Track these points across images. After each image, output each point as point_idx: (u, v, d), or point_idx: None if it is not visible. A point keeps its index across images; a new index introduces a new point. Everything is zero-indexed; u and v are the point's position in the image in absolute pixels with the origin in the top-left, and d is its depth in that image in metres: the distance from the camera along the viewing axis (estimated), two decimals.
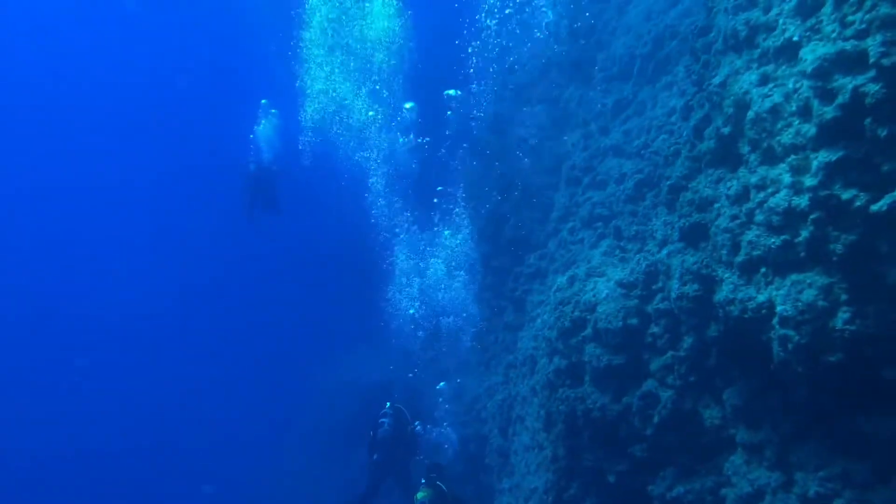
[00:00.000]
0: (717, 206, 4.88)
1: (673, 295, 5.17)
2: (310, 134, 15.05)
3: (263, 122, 16.02)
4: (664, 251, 5.37)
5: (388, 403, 10.17)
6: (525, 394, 8.42)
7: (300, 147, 15.77)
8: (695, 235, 5.11)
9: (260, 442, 21.68)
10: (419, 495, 8.05)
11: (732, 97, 4.63)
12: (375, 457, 9.59)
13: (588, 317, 6.13)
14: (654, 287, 5.89)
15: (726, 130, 4.77)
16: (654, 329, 5.75)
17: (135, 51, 34.08)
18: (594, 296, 6.14)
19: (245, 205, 14.79)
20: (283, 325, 28.20)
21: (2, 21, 31.49)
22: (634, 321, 5.81)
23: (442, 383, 12.48)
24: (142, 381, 31.51)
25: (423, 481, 8.24)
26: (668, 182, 5.43)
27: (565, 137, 10.27)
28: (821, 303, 3.97)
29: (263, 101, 16.32)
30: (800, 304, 4.06)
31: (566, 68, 11.14)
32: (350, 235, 22.26)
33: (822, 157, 3.92)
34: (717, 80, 4.82)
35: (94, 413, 30.36)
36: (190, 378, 30.14)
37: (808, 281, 4.07)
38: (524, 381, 8.51)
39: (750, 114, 4.42)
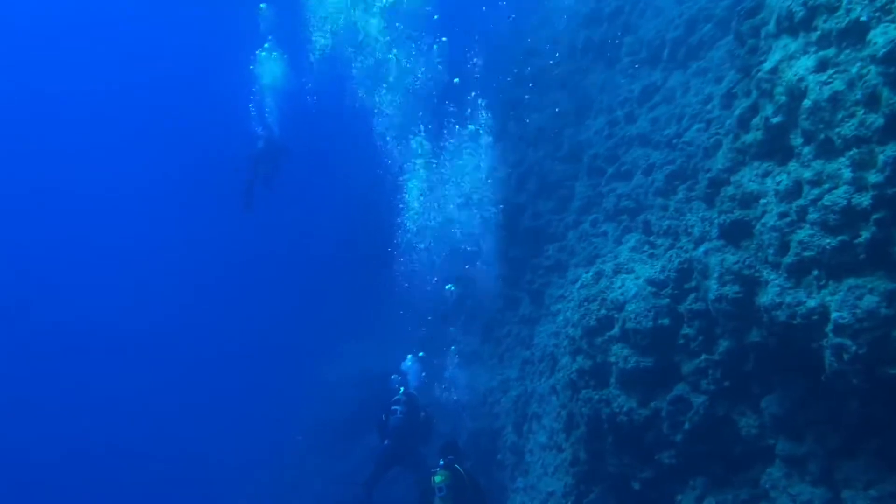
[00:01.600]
0: (763, 202, 4.52)
1: (711, 296, 4.84)
2: (314, 70, 14.32)
3: (263, 53, 15.31)
4: (701, 249, 5.03)
5: (402, 389, 10.04)
6: (542, 392, 8.13)
7: (305, 85, 15.13)
8: (736, 233, 4.76)
9: (264, 433, 21.56)
10: (437, 479, 7.87)
11: (785, 84, 4.27)
12: (387, 442, 9.52)
13: (615, 315, 5.81)
14: (686, 286, 5.56)
15: (776, 120, 4.41)
16: (687, 330, 5.43)
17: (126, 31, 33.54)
18: (622, 294, 5.82)
19: (245, 183, 14.52)
20: (288, 315, 28.03)
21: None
22: (666, 321, 5.49)
23: (450, 285, 12.04)
24: (145, 373, 31.51)
25: (440, 463, 8.06)
26: (708, 175, 5.07)
27: (587, 124, 9.89)
28: (883, 310, 3.64)
29: (262, 5, 15.67)
30: (858, 311, 3.72)
31: (589, 52, 10.72)
32: (358, 211, 21.90)
33: (889, 151, 3.56)
34: (767, 66, 4.45)
35: (99, 405, 30.40)
36: (192, 370, 30.09)
37: (869, 286, 3.73)
38: (542, 379, 8.23)
39: (806, 102, 4.06)
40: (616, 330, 5.81)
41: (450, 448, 8.46)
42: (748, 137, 4.72)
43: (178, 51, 32.68)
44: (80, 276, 37.41)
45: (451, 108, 11.53)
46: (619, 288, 5.90)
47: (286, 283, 29.99)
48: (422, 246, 11.78)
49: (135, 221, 38.05)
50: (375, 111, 12.83)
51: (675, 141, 6.69)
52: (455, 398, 11.37)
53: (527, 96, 11.97)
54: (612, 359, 5.77)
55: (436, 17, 12.53)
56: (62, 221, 38.60)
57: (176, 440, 26.36)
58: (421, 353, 11.47)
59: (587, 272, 6.47)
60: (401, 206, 12.08)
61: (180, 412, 28.05)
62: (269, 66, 15.36)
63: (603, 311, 5.93)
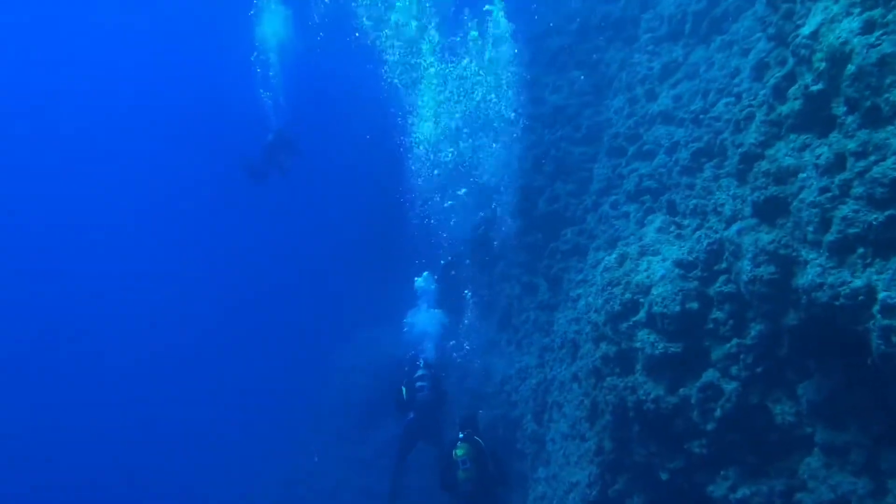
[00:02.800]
0: (801, 176, 4.26)
1: (744, 277, 4.59)
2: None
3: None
4: (733, 228, 4.78)
5: (421, 362, 10.00)
6: (563, 379, 7.93)
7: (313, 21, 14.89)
8: (771, 210, 4.50)
9: (279, 419, 21.55)
10: (459, 452, 7.89)
11: (826, 49, 3.98)
12: (412, 416, 9.52)
13: (641, 300, 5.58)
14: (716, 268, 5.32)
15: (816, 89, 4.14)
16: (717, 314, 5.19)
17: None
18: (648, 277, 5.58)
19: (252, 167, 14.66)
20: (302, 300, 27.95)
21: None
22: (694, 305, 5.26)
23: (463, 189, 11.72)
24: (157, 359, 31.58)
25: (460, 436, 8.09)
26: (740, 150, 4.80)
27: (607, 103, 9.58)
28: None
29: None
30: None
31: (606, 29, 10.39)
32: (373, 187, 21.60)
33: None
34: (806, 31, 4.17)
35: (117, 392, 30.58)
36: (206, 356, 30.11)
37: None
38: (563, 366, 8.02)
39: (850, 68, 3.78)
40: (642, 315, 5.58)
41: (468, 422, 8.49)
42: (784, 108, 4.44)
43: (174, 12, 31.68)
44: (92, 263, 37.62)
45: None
46: (645, 271, 5.66)
47: (300, 268, 29.92)
48: (436, 172, 11.38)
49: (146, 206, 38.15)
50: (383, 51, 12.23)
51: (701, 117, 6.41)
52: (468, 347, 11.36)
53: (544, 76, 11.64)
54: (638, 345, 5.55)
55: None
56: (75, 208, 38.72)
57: (189, 427, 26.43)
58: (432, 278, 11.42)
59: (610, 255, 6.24)
60: (410, 140, 11.66)
61: (193, 399, 28.13)
62: (269, 15, 15.29)
63: (628, 296, 5.70)
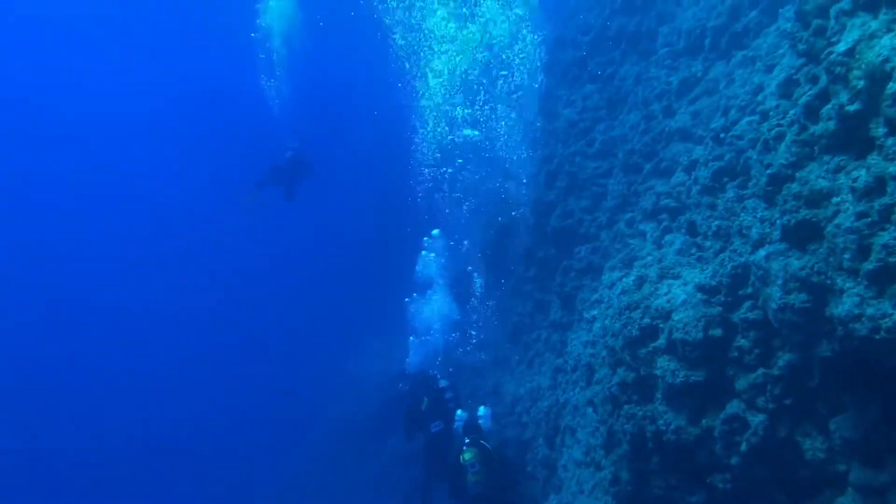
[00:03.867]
0: (835, 200, 4.03)
1: (773, 305, 4.35)
2: None
3: None
4: (761, 253, 4.54)
5: (437, 375, 10.00)
6: (577, 403, 7.67)
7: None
8: (803, 235, 4.27)
9: (287, 433, 21.35)
10: (466, 456, 8.01)
11: (864, 67, 3.77)
12: (442, 426, 9.49)
13: (661, 325, 5.34)
14: (741, 293, 5.07)
15: (852, 108, 3.91)
16: (742, 342, 4.94)
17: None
18: (668, 301, 5.34)
19: (257, 183, 14.60)
20: (313, 310, 27.82)
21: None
22: (718, 332, 5.01)
23: (471, 131, 11.51)
24: (170, 370, 31.50)
25: (466, 441, 8.25)
26: (768, 171, 4.58)
27: (621, 119, 9.38)
28: None
29: None
30: None
31: (622, 43, 10.21)
32: (380, 208, 21.44)
33: None
34: (841, 48, 3.95)
35: (124, 403, 30.54)
36: (218, 366, 30.00)
37: None
38: (576, 390, 7.77)
39: (891, 87, 3.56)
40: (662, 340, 5.34)
41: (471, 427, 8.59)
42: (817, 128, 4.22)
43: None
44: (111, 266, 37.65)
45: None
46: (665, 295, 5.42)
47: (311, 278, 29.81)
48: (450, 137, 11.22)
49: (160, 218, 38.22)
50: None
51: (722, 135, 6.19)
52: (480, 324, 11.23)
53: (556, 89, 11.47)
54: (658, 372, 5.30)
55: None
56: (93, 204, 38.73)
57: (202, 439, 26.28)
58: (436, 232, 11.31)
59: (628, 277, 6.01)
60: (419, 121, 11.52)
61: (205, 410, 27.98)
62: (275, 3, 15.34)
63: (647, 320, 5.46)
